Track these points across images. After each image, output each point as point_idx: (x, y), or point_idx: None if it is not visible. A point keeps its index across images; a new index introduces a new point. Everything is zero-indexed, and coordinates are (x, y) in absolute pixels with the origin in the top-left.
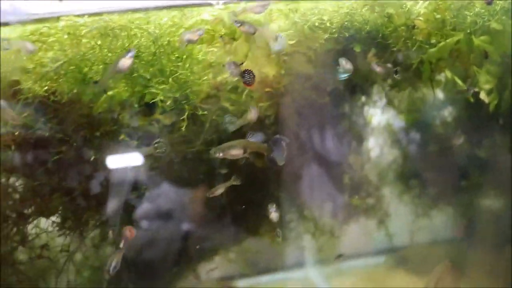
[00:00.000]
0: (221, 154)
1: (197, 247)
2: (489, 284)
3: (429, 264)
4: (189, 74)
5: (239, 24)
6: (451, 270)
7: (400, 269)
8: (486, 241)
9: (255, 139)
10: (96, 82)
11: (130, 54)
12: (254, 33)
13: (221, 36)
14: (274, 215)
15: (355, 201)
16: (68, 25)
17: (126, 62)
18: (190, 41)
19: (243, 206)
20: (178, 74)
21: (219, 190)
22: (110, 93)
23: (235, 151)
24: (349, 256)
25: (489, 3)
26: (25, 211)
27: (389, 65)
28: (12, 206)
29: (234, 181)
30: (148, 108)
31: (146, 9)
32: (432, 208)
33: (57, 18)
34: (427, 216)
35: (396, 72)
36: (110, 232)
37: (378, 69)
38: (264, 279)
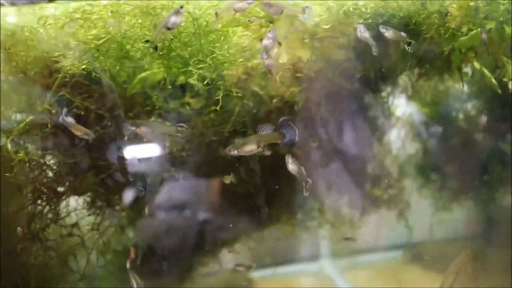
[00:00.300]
0: (235, 151)
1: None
2: (507, 281)
3: (446, 260)
4: (226, 55)
5: (267, 7)
6: (472, 260)
7: (416, 265)
8: (505, 237)
9: (266, 131)
10: (147, 41)
11: (181, 10)
12: (281, 13)
13: (248, 20)
14: (291, 166)
15: (375, 192)
16: (111, 3)
17: (176, 18)
18: (240, 10)
19: (276, 187)
20: (215, 55)
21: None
22: (143, 74)
23: (249, 147)
24: (365, 249)
25: None
26: (59, 189)
27: (403, 33)
28: (46, 184)
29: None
30: (180, 91)
31: None
32: (452, 202)
33: None
34: (446, 211)
35: (409, 44)
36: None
37: (388, 34)
38: (279, 270)
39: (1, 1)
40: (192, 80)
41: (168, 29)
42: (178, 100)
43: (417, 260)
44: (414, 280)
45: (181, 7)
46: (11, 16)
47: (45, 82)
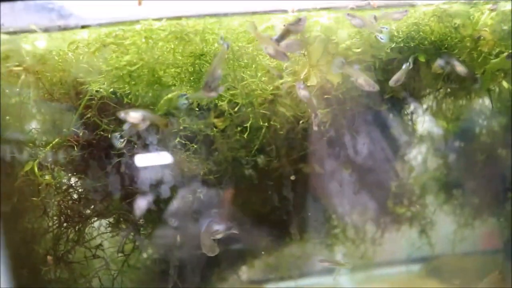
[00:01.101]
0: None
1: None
2: None
3: (463, 275)
4: (257, 82)
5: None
6: (500, 282)
7: (433, 279)
8: None
9: None
10: (183, 95)
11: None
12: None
13: None
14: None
15: (396, 209)
16: (145, 28)
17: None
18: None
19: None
20: (246, 81)
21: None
22: (169, 95)
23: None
24: (381, 263)
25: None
26: (85, 212)
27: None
28: (71, 206)
29: None
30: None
31: (223, 15)
32: (473, 219)
33: (133, 21)
34: (466, 227)
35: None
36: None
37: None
38: (293, 284)
39: (35, 28)
40: (221, 103)
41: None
42: (204, 121)
43: (434, 274)
44: None
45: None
46: (41, 41)
47: (73, 104)
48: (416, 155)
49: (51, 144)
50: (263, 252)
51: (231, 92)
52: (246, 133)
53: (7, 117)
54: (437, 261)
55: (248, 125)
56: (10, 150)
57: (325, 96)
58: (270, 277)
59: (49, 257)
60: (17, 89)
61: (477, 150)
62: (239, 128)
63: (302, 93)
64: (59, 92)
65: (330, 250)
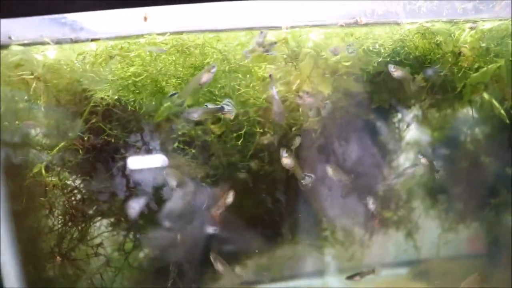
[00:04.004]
0: None
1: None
2: None
3: (451, 278)
4: (251, 92)
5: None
6: (479, 283)
7: (421, 282)
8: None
9: None
10: (173, 94)
11: (213, 70)
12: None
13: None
14: (285, 160)
15: (385, 214)
16: (149, 42)
17: (208, 75)
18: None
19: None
20: (241, 91)
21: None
22: (169, 103)
23: None
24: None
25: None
26: (89, 212)
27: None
28: (75, 207)
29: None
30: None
31: (221, 30)
32: (458, 223)
33: (139, 36)
34: (451, 231)
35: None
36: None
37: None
38: (284, 285)
39: (47, 40)
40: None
41: (200, 85)
42: (201, 126)
43: (421, 277)
44: None
45: (214, 66)
46: (51, 52)
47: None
48: (404, 161)
49: (57, 147)
50: (256, 251)
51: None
52: (241, 140)
53: (16, 122)
54: (424, 265)
55: (243, 132)
56: (18, 152)
57: (315, 106)
58: (261, 279)
59: (57, 257)
60: (25, 96)
61: (461, 157)
62: (234, 134)
63: (308, 100)
64: (65, 99)
65: (320, 252)
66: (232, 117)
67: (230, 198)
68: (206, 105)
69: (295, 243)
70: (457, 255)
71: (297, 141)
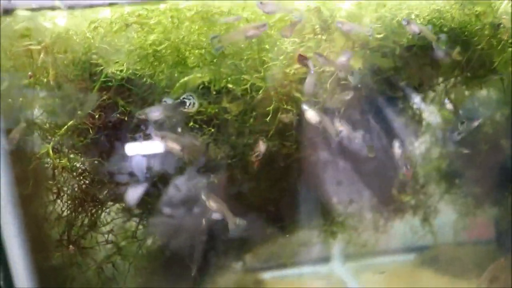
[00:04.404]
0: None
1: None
2: None
3: (459, 265)
4: (279, 65)
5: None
6: (505, 268)
7: (428, 268)
8: None
9: None
10: (215, 37)
11: (262, 28)
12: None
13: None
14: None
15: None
16: (171, 8)
17: (255, 32)
18: None
19: None
20: (269, 64)
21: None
22: (185, 78)
23: None
24: (377, 252)
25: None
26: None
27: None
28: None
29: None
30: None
31: None
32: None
33: (158, 1)
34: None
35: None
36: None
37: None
38: (290, 272)
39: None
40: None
41: (244, 37)
42: (217, 105)
43: (429, 264)
44: (426, 283)
45: (264, 25)
46: (61, 19)
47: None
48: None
49: (65, 127)
50: (271, 236)
51: (255, 75)
52: (269, 117)
53: (20, 99)
54: (433, 251)
55: (271, 108)
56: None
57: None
58: (266, 265)
59: (71, 247)
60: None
61: (481, 140)
62: (254, 113)
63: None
64: (73, 74)
65: (328, 238)
66: (194, 111)
67: (262, 146)
68: (164, 101)
69: (307, 228)
70: (466, 241)
71: None
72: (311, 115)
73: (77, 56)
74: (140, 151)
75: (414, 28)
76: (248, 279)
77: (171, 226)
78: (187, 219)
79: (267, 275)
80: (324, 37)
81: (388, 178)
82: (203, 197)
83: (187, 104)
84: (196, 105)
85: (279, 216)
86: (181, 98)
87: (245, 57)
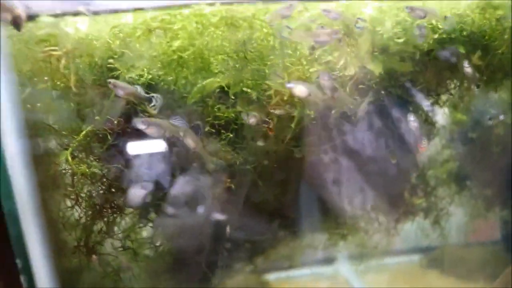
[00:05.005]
0: None
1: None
2: None
3: (464, 266)
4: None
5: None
6: None
7: (434, 270)
8: None
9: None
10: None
11: (335, 35)
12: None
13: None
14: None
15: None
16: (195, 13)
17: (326, 38)
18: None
19: None
20: (293, 69)
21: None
22: (204, 82)
23: None
24: (383, 253)
25: None
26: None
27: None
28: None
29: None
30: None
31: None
32: (486, 210)
33: (182, 6)
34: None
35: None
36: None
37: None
38: (295, 273)
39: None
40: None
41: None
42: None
43: (435, 265)
44: (431, 284)
45: (337, 32)
46: (82, 24)
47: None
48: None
49: (84, 132)
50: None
51: (279, 81)
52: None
53: (38, 104)
54: (438, 252)
55: (296, 114)
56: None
57: (360, 86)
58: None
59: (94, 256)
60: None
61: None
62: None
63: (327, 84)
64: (92, 78)
65: (333, 239)
66: (155, 113)
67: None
68: (136, 87)
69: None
70: (471, 242)
71: None
72: (299, 89)
73: (97, 61)
74: (158, 155)
75: (419, 12)
76: (253, 281)
77: (186, 228)
78: (202, 221)
79: (272, 276)
80: (347, 41)
81: (401, 181)
82: (180, 133)
83: (152, 103)
84: (157, 110)
85: (291, 219)
86: (150, 95)
87: (268, 63)
